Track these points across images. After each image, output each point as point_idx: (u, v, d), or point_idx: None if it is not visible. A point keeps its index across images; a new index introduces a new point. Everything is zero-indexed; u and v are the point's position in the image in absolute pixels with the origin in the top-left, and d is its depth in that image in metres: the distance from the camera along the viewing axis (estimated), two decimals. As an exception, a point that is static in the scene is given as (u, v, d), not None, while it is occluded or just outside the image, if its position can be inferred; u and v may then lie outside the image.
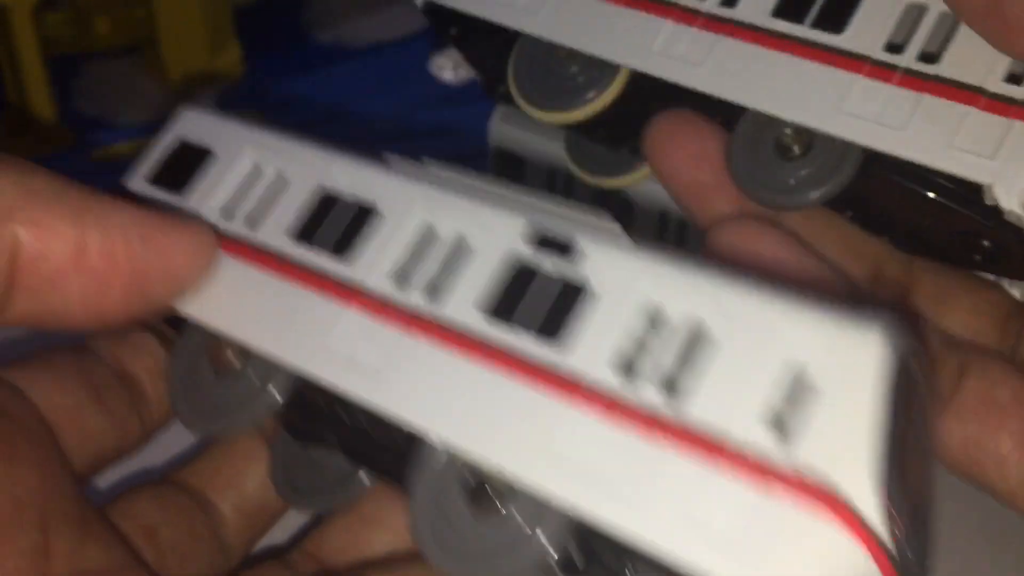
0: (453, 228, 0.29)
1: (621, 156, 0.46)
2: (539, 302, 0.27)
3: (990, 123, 0.32)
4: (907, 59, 0.34)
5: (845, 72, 0.35)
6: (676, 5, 0.38)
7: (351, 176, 0.31)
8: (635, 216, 0.50)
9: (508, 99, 0.41)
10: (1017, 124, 0.32)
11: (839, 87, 0.34)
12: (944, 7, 0.34)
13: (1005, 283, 0.38)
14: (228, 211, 0.33)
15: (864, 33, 0.35)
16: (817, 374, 0.24)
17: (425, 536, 0.27)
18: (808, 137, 0.35)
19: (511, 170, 0.54)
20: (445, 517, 0.27)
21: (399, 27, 0.84)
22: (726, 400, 0.24)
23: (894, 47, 0.35)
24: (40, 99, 0.67)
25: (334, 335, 0.29)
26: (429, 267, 0.29)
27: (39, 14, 0.66)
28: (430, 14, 0.41)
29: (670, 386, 0.25)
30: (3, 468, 0.30)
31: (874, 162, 0.34)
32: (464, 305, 0.28)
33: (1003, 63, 0.33)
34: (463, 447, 0.27)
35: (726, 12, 0.37)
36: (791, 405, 0.24)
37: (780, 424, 0.23)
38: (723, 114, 0.37)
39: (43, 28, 0.67)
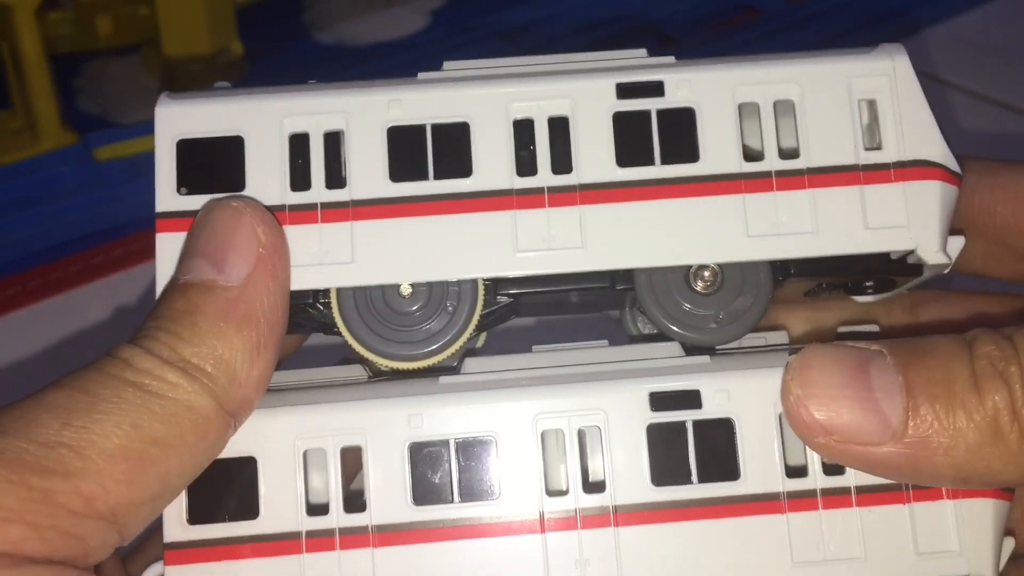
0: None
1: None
2: (700, 452, 0.33)
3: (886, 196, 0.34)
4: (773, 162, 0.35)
5: (733, 196, 0.34)
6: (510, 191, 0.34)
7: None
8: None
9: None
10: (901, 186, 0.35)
11: (736, 213, 0.34)
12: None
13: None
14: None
15: (717, 154, 0.34)
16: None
17: None
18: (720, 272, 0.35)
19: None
20: None
21: (399, 27, 0.85)
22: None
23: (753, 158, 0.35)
24: (43, 98, 0.67)
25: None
26: (573, 469, 0.33)
27: (41, 13, 0.66)
28: None
29: (837, 468, 0.33)
30: None
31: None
32: (637, 484, 0.33)
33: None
34: None
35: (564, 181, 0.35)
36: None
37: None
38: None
39: (45, 27, 0.68)
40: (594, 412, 0.33)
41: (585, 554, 0.32)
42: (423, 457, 0.33)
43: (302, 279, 0.34)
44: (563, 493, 0.33)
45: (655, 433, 0.33)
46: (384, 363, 0.35)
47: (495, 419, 0.33)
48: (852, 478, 0.33)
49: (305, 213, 0.34)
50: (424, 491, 0.32)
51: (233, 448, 0.32)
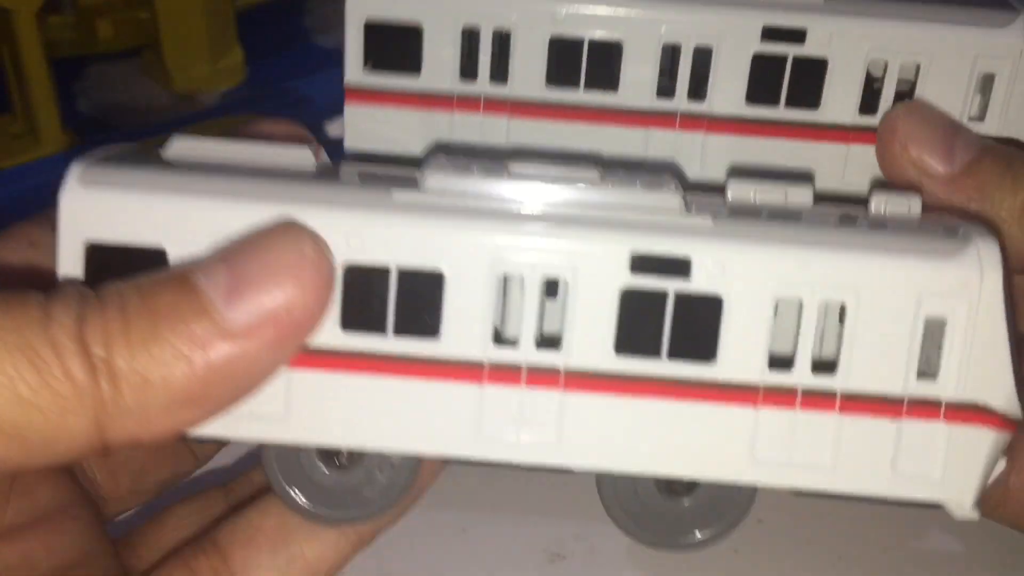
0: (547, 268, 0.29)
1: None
2: (676, 327, 0.29)
3: None
4: None
5: None
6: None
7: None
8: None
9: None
10: None
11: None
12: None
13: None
14: None
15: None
16: (945, 314, 0.28)
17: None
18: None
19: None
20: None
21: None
22: (879, 367, 0.29)
23: None
24: (43, 101, 0.67)
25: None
26: (528, 319, 0.29)
27: (42, 17, 0.66)
28: None
29: (827, 367, 0.29)
30: None
31: None
32: (597, 348, 0.29)
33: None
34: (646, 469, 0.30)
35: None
36: (929, 351, 0.29)
37: (928, 370, 0.29)
38: None
39: (46, 31, 0.68)
40: (563, 261, 0.28)
41: (525, 414, 0.29)
42: (356, 280, 0.28)
43: None
44: (512, 343, 0.29)
45: (629, 297, 0.29)
46: None
47: (448, 251, 0.28)
48: (841, 381, 0.29)
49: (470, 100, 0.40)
50: (354, 318, 0.28)
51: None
